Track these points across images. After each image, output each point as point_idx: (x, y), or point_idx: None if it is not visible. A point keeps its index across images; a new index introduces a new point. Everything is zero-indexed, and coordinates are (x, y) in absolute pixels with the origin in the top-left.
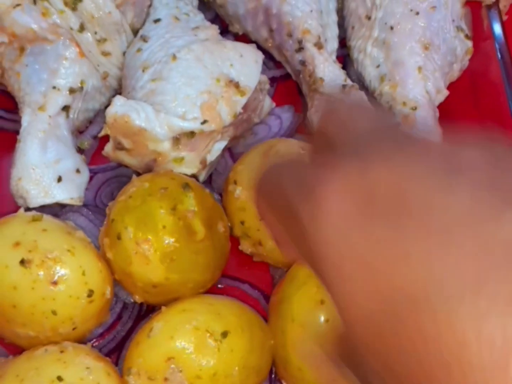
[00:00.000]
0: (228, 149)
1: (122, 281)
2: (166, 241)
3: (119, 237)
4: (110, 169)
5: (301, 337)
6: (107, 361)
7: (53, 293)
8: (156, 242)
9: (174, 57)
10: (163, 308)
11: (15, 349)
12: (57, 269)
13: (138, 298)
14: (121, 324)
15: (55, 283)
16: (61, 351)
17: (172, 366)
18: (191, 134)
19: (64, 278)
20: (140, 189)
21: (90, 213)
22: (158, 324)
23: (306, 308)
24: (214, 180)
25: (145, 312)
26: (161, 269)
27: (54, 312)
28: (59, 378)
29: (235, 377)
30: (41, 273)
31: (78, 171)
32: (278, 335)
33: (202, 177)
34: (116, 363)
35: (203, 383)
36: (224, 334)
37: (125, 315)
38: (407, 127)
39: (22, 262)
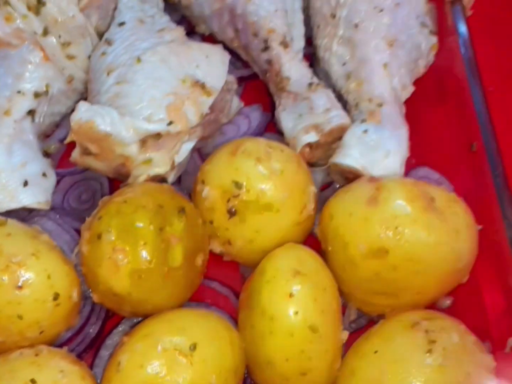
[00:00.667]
0: (197, 150)
1: (87, 277)
2: (141, 258)
3: (99, 237)
4: (77, 172)
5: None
6: (83, 365)
7: (18, 298)
8: (132, 256)
9: (138, 59)
10: (125, 338)
11: None
12: (22, 273)
13: (96, 298)
14: (89, 326)
15: (20, 287)
16: (36, 354)
17: None
18: (158, 135)
19: (29, 282)
20: (138, 197)
21: (58, 216)
22: (124, 356)
23: (275, 302)
24: (183, 181)
25: (112, 314)
26: (127, 283)
27: (20, 317)
28: (33, 381)
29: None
30: (6, 277)
31: (44, 175)
32: (247, 330)
33: (171, 178)
34: (91, 365)
35: None
36: (193, 347)
37: (93, 316)
38: (374, 124)
39: None
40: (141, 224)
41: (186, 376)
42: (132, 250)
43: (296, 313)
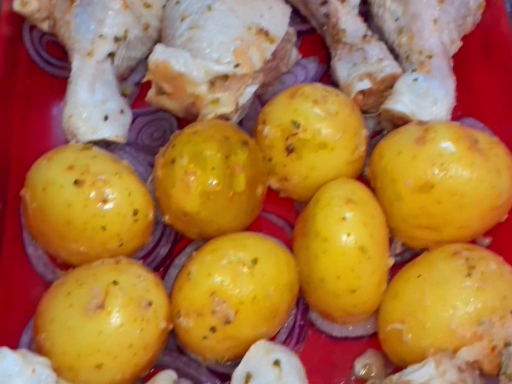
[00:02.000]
0: (257, 96)
1: (160, 200)
2: (210, 181)
3: (173, 161)
4: (150, 113)
5: (323, 250)
6: (156, 275)
7: (103, 211)
8: (201, 178)
9: (209, 8)
10: (194, 253)
11: (67, 269)
12: (107, 189)
13: (167, 219)
14: (160, 247)
15: (104, 201)
16: (116, 262)
17: (216, 299)
18: (225, 77)
19: (113, 198)
20: (205, 129)
21: (133, 150)
22: (194, 267)
23: (329, 224)
24: (245, 125)
25: (180, 238)
26: (197, 202)
27: (103, 228)
28: (115, 282)
29: (272, 296)
30: (93, 192)
31: (122, 112)
32: (302, 252)
33: (235, 119)
34: None
35: (246, 308)
36: (254, 261)
37: (164, 239)
38: (423, 73)
39: (76, 182)
40: (209, 152)
41: (247, 285)
42: (202, 174)
43: (348, 234)
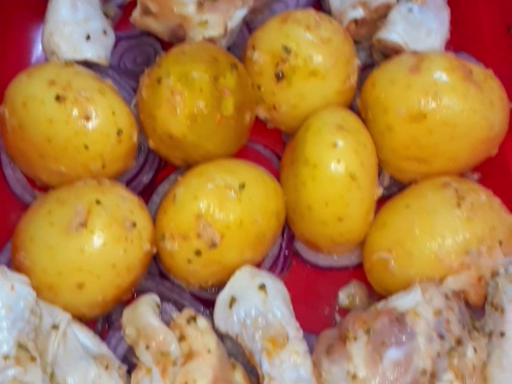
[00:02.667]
0: (246, 24)
1: (144, 123)
2: (198, 102)
3: (159, 81)
4: (133, 37)
5: (312, 177)
6: (140, 199)
7: (86, 129)
8: (189, 99)
9: None
10: (178, 176)
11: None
12: (90, 106)
13: (151, 144)
14: (143, 174)
15: (87, 118)
16: (99, 183)
17: (202, 222)
18: None
19: (96, 115)
20: (194, 50)
21: (116, 74)
22: (180, 190)
23: (319, 151)
24: (232, 52)
25: (164, 165)
26: (183, 125)
27: (86, 147)
28: (98, 202)
29: (259, 222)
30: (75, 109)
31: (105, 32)
32: (290, 180)
33: (223, 44)
34: None
35: (232, 232)
36: (242, 186)
37: (147, 165)
38: (419, 4)
39: (58, 98)
40: (197, 73)
41: (234, 210)
42: (190, 94)
43: (338, 161)
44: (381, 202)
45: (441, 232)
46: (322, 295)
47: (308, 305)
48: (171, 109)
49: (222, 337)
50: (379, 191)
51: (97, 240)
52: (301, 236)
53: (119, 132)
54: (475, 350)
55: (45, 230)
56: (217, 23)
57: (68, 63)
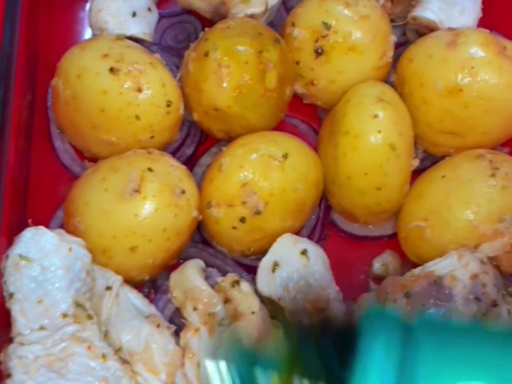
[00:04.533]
0: (283, 3)
1: (190, 96)
2: (243, 75)
3: (206, 54)
4: (175, 15)
5: (353, 147)
6: (186, 168)
7: (138, 100)
8: (235, 71)
9: None
10: (224, 148)
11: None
12: (142, 78)
13: (196, 116)
14: (185, 146)
15: (139, 90)
16: (149, 153)
17: (247, 190)
18: None
19: (147, 87)
20: (238, 25)
21: (159, 50)
22: (226, 159)
23: (360, 122)
24: None
25: (205, 139)
26: (229, 96)
27: (137, 117)
28: (149, 169)
29: (300, 191)
30: (128, 81)
31: (149, 9)
32: (329, 152)
33: (262, 20)
34: None
35: (275, 200)
36: (285, 156)
37: (189, 139)
38: None
39: (112, 70)
40: (243, 46)
41: (278, 178)
42: (236, 67)
43: (379, 131)
44: (415, 175)
45: (476, 201)
46: (357, 264)
47: (344, 273)
48: (218, 82)
49: (263, 301)
50: (416, 162)
51: (150, 205)
52: (338, 206)
53: (168, 104)
54: (508, 312)
55: (100, 196)
56: (258, 1)
57: (119, 37)
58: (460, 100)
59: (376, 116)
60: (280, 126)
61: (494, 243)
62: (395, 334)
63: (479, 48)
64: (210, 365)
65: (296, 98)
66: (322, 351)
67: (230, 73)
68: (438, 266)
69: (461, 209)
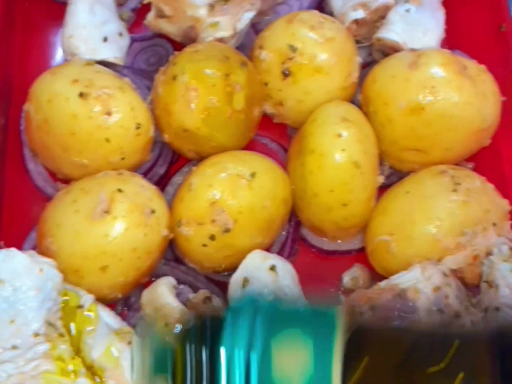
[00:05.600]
0: (252, 25)
1: (160, 118)
2: (211, 97)
3: (174, 78)
4: (146, 39)
5: (318, 165)
6: (158, 188)
7: (107, 123)
8: (203, 94)
9: None
10: (193, 168)
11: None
12: (111, 102)
13: (166, 138)
14: (157, 167)
15: (109, 114)
16: (119, 174)
17: (216, 208)
18: (225, 0)
19: (117, 111)
20: (207, 49)
21: (131, 73)
22: (195, 179)
23: (325, 141)
24: (240, 52)
25: (177, 159)
26: (197, 118)
27: (107, 140)
28: (119, 190)
29: (269, 208)
30: (97, 105)
31: (121, 34)
32: (297, 170)
33: (232, 44)
34: None
35: (244, 217)
36: (253, 175)
37: (161, 159)
38: (415, 4)
39: (81, 95)
40: (210, 70)
41: (246, 196)
42: (203, 90)
43: (343, 150)
44: (382, 190)
45: (438, 215)
46: (328, 278)
47: (315, 286)
48: (186, 104)
49: None
50: (381, 179)
51: (120, 225)
52: (307, 222)
53: (137, 126)
54: (472, 323)
55: (71, 217)
56: (227, 25)
57: (89, 62)
58: (423, 118)
59: (340, 135)
60: (250, 145)
61: (456, 256)
62: (248, 312)
63: (439, 68)
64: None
65: (267, 117)
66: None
67: (197, 95)
68: (403, 279)
69: (424, 223)
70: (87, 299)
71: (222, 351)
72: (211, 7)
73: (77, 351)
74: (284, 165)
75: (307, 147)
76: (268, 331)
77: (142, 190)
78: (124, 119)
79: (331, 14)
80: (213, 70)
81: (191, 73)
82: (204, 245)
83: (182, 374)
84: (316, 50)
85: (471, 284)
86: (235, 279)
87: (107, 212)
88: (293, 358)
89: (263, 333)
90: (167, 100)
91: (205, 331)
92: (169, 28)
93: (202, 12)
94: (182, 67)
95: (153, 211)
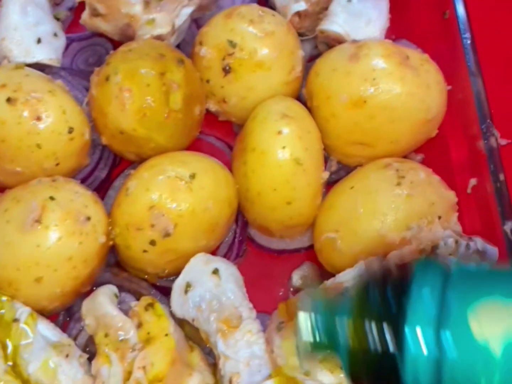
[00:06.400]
0: (195, 21)
1: (96, 120)
2: (146, 98)
3: (107, 79)
4: (85, 38)
5: (260, 163)
6: (95, 194)
7: (37, 128)
8: (137, 95)
9: None
10: (132, 171)
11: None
12: (40, 107)
13: (104, 140)
14: (98, 170)
15: (38, 119)
16: (53, 180)
17: (155, 212)
18: None
19: (47, 115)
20: (141, 47)
21: (68, 74)
22: (133, 183)
23: (265, 138)
24: (182, 49)
25: (119, 162)
26: (132, 119)
27: (39, 146)
28: (51, 198)
29: (211, 210)
30: (26, 110)
31: (55, 35)
32: (240, 169)
33: (172, 41)
34: None
35: (185, 221)
36: (192, 176)
37: (102, 163)
38: None
39: (9, 100)
40: (144, 69)
41: (186, 199)
42: (137, 90)
43: (284, 147)
44: (331, 186)
45: (383, 210)
46: (277, 278)
47: (264, 287)
48: (120, 105)
49: (180, 322)
50: (326, 175)
51: (52, 234)
52: (254, 222)
53: (70, 130)
54: None
55: (3, 228)
56: (164, 21)
57: (18, 66)
58: (366, 111)
59: (280, 132)
60: (195, 145)
61: (401, 251)
62: (437, 279)
63: (380, 60)
64: (301, 316)
65: (212, 115)
66: (384, 297)
67: (131, 96)
68: (347, 277)
69: (369, 219)
70: (23, 312)
71: (408, 329)
72: (147, 3)
73: (14, 365)
74: (230, 164)
75: (248, 145)
76: (462, 302)
77: (76, 197)
78: (55, 124)
79: (273, 7)
80: (147, 69)
81: (124, 73)
82: (145, 251)
83: (358, 351)
84: (256, 45)
85: None
86: (178, 284)
87: (38, 221)
88: (495, 327)
89: (456, 304)
90: (101, 102)
91: (388, 303)
92: (105, 26)
93: (137, 9)
94: (115, 67)
95: (88, 218)
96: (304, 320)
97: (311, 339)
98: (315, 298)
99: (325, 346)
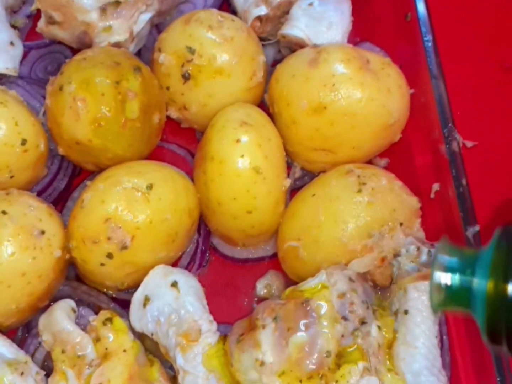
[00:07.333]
0: (155, 26)
1: (52, 130)
2: (100, 107)
3: (61, 88)
4: (43, 46)
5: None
6: (51, 205)
7: None
8: (91, 104)
9: None
10: (88, 182)
11: None
12: None
13: (61, 150)
14: (57, 181)
15: None
16: (7, 194)
17: (111, 225)
18: (117, 3)
19: None
20: (96, 55)
21: (26, 83)
22: (88, 195)
23: (223, 147)
24: (143, 55)
25: (79, 172)
26: (87, 130)
27: None
28: (3, 212)
29: (170, 220)
30: None
31: (12, 43)
32: (201, 178)
33: (131, 48)
34: None
35: (142, 233)
36: (149, 187)
37: (61, 173)
38: None
39: None
40: (98, 78)
41: (143, 210)
42: (91, 100)
43: (242, 156)
44: (296, 192)
45: (344, 218)
46: (241, 287)
47: (228, 297)
48: (75, 116)
49: (140, 335)
50: (287, 183)
51: (4, 250)
52: (216, 231)
53: (23, 142)
54: (379, 328)
55: None
56: (121, 28)
57: None
58: (326, 117)
59: (238, 140)
60: (156, 153)
61: (363, 259)
62: None
63: (340, 65)
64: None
65: (174, 122)
66: None
67: (85, 106)
68: (308, 286)
69: (330, 227)
70: None
71: None
72: (103, 10)
73: None
74: (192, 172)
75: (207, 153)
76: None
77: (30, 210)
78: (7, 136)
79: (235, 12)
80: (101, 78)
81: (78, 82)
82: (102, 264)
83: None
84: (215, 51)
85: (383, 286)
86: (136, 297)
87: None
88: None
89: None
90: (55, 112)
91: None
92: (61, 34)
93: (94, 16)
94: (69, 76)
95: (42, 232)
96: (439, 275)
97: (445, 293)
98: (448, 253)
99: (460, 298)
